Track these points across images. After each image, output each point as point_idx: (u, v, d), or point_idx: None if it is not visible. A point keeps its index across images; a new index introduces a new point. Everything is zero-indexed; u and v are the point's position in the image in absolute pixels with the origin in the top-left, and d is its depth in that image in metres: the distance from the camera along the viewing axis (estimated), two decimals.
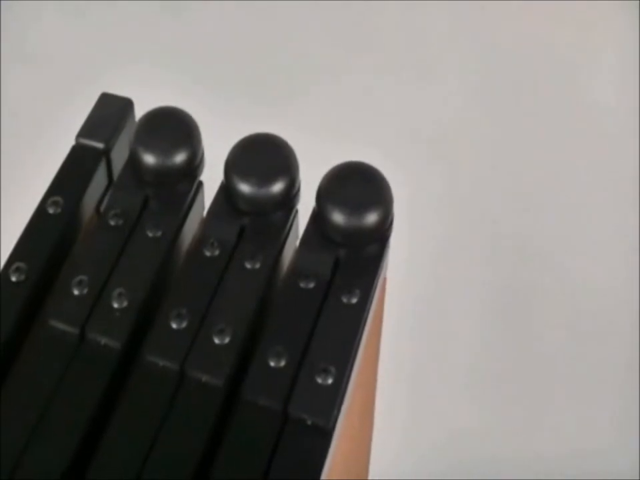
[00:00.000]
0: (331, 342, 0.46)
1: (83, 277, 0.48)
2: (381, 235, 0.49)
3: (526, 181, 1.12)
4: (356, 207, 0.48)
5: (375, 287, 0.49)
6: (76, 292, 0.47)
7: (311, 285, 0.48)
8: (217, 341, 0.46)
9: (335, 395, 0.44)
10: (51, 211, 0.51)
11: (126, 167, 0.52)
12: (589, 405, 0.97)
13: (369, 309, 0.48)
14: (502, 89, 1.19)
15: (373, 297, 0.48)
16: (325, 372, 0.45)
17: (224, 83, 1.16)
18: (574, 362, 0.99)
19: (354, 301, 0.47)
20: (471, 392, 0.98)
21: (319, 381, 0.45)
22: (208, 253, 0.49)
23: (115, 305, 0.47)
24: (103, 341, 0.46)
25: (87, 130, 0.53)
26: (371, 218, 0.48)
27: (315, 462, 0.43)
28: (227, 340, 0.46)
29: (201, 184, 0.52)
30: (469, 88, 1.19)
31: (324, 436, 0.44)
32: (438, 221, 1.07)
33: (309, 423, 0.44)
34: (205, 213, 0.51)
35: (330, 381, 0.45)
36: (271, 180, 0.49)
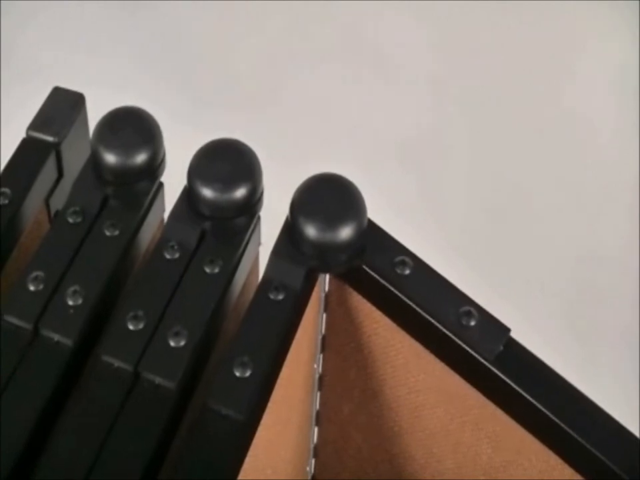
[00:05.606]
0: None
1: (39, 273, 0.48)
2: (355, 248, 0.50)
3: (498, 185, 1.10)
4: (329, 220, 0.48)
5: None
6: (32, 288, 0.47)
7: (280, 297, 0.48)
8: (172, 343, 0.46)
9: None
10: None
11: (87, 165, 0.51)
12: None
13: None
14: (480, 94, 1.17)
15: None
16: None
17: (189, 88, 1.14)
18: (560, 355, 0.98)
19: None
20: None
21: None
22: (168, 256, 0.49)
23: (70, 302, 0.47)
24: (56, 337, 0.46)
25: (37, 123, 0.53)
26: (345, 232, 0.48)
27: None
28: (182, 343, 0.46)
29: (161, 185, 0.52)
30: (439, 93, 1.17)
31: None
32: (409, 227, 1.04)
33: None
34: (165, 215, 0.51)
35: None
36: (233, 186, 0.49)
